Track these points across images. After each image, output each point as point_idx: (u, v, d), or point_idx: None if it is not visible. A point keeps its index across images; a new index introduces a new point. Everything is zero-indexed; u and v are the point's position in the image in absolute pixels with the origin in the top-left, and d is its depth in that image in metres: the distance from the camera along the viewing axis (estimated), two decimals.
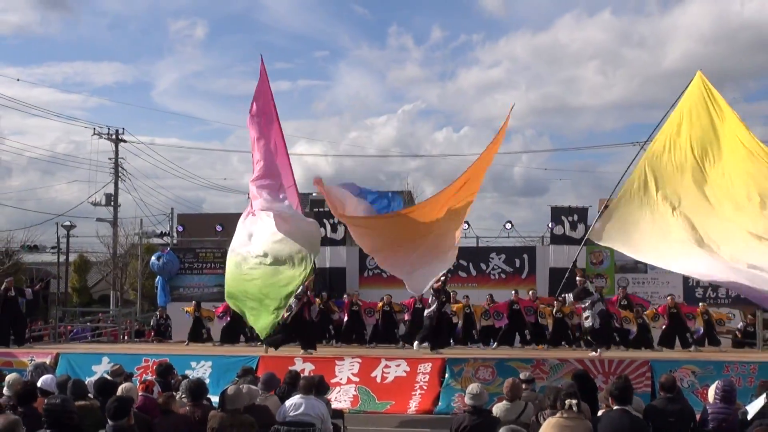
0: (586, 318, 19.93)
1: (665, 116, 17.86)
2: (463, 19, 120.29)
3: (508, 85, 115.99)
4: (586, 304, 19.94)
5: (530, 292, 24.88)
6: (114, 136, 50.40)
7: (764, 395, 10.10)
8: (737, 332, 24.99)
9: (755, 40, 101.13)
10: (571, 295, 20.64)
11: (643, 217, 16.66)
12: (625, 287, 25.74)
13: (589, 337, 20.29)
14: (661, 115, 17.78)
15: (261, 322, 17.40)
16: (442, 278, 20.48)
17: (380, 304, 24.66)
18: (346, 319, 24.55)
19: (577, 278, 20.31)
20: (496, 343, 23.45)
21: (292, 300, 20.25)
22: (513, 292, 24.34)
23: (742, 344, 24.34)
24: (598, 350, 19.56)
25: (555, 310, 23.10)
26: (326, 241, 28.72)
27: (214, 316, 25.59)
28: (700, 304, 24.28)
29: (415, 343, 20.65)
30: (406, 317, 24.11)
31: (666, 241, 16.31)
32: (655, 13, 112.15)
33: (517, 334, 23.80)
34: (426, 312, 20.89)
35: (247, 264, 17.98)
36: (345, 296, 25.66)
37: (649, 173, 17.12)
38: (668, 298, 23.64)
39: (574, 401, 8.92)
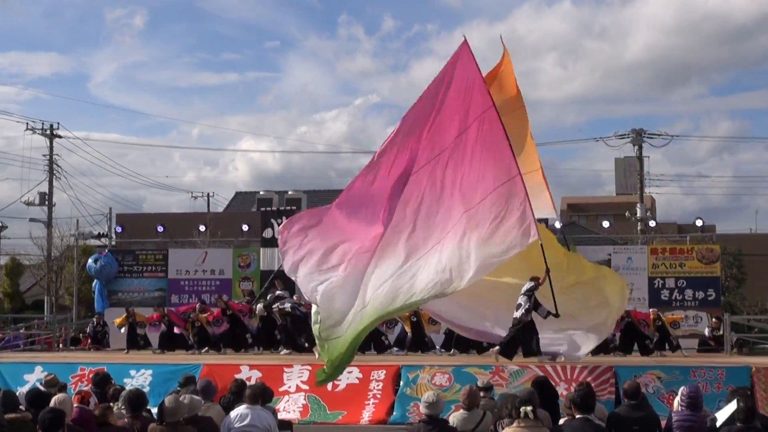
0: None
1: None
2: (417, 8, 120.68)
3: None
4: None
5: None
6: (48, 132, 49.93)
7: (735, 401, 10.21)
8: (709, 341, 25.17)
9: (719, 31, 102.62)
10: None
11: None
12: None
13: None
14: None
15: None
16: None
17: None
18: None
19: None
20: (453, 350, 23.47)
21: (522, 299, 19.66)
22: None
23: (710, 348, 24.57)
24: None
25: None
26: (274, 242, 28.46)
27: (147, 323, 25.36)
28: (651, 310, 24.39)
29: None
30: None
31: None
32: (616, 3, 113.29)
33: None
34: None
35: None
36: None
37: None
38: None
39: (528, 408, 8.95)
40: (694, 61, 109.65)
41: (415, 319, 23.88)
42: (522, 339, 19.54)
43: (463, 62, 16.68)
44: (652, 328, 23.08)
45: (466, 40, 16.65)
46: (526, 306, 19.56)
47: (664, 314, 24.11)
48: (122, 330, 25.61)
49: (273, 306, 23.87)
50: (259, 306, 24.41)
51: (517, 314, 19.63)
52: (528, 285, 19.91)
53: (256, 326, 24.35)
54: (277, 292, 24.22)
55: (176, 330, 24.65)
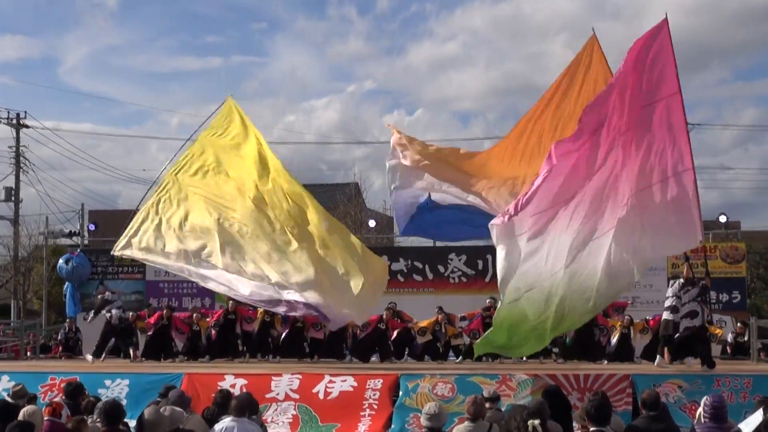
0: None
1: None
2: None
3: (465, 62, 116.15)
4: None
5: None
6: (15, 121, 49.87)
7: (761, 410, 10.20)
8: (728, 346, 25.17)
9: (741, 11, 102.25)
10: None
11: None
12: None
13: None
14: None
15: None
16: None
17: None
18: (285, 333, 24.50)
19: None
20: (461, 357, 23.54)
21: (696, 306, 20.27)
22: (488, 300, 24.20)
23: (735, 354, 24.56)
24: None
25: None
26: None
27: (146, 327, 25.22)
28: None
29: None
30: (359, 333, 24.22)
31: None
32: None
33: None
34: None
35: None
36: None
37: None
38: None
39: (537, 422, 8.88)
40: (715, 43, 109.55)
41: (439, 328, 23.90)
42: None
43: (661, 40, 17.41)
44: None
45: (666, 18, 17.34)
46: (702, 313, 19.88)
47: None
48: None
49: (102, 311, 24.65)
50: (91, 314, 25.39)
51: (694, 323, 19.81)
52: (696, 290, 20.02)
53: (254, 330, 24.34)
54: (106, 295, 24.95)
55: (175, 336, 24.69)
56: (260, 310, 23.94)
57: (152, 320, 24.85)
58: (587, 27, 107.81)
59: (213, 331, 24.11)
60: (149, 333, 24.73)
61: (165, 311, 25.02)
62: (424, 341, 23.96)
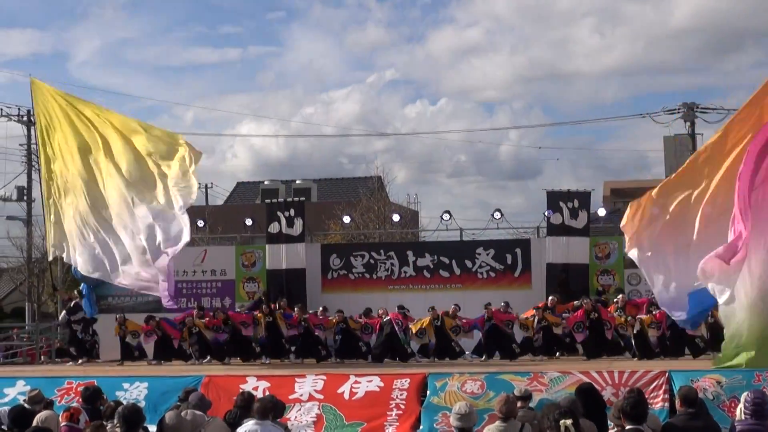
0: None
1: None
2: None
3: (488, 48, 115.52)
4: None
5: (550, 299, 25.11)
6: (26, 118, 49.98)
7: None
8: None
9: None
10: None
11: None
12: (624, 293, 25.57)
13: None
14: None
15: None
16: None
17: (334, 320, 24.76)
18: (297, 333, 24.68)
19: None
20: (485, 355, 23.57)
21: None
22: (485, 306, 24.64)
23: None
24: None
25: (539, 318, 23.73)
26: (281, 238, 28.67)
27: (141, 332, 25.28)
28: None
29: None
30: (370, 337, 24.34)
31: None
32: None
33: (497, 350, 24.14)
34: None
35: None
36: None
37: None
38: None
39: (569, 421, 8.80)
40: (749, 27, 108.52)
41: (438, 323, 23.94)
42: None
43: None
44: (705, 324, 22.96)
45: None
46: None
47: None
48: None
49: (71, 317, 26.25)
50: (63, 314, 26.96)
51: None
52: None
53: (262, 335, 24.43)
54: (75, 302, 26.73)
55: (175, 343, 24.77)
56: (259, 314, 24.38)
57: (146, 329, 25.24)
58: (615, 10, 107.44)
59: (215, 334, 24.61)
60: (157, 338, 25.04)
61: (149, 321, 25.28)
62: (422, 343, 24.28)
